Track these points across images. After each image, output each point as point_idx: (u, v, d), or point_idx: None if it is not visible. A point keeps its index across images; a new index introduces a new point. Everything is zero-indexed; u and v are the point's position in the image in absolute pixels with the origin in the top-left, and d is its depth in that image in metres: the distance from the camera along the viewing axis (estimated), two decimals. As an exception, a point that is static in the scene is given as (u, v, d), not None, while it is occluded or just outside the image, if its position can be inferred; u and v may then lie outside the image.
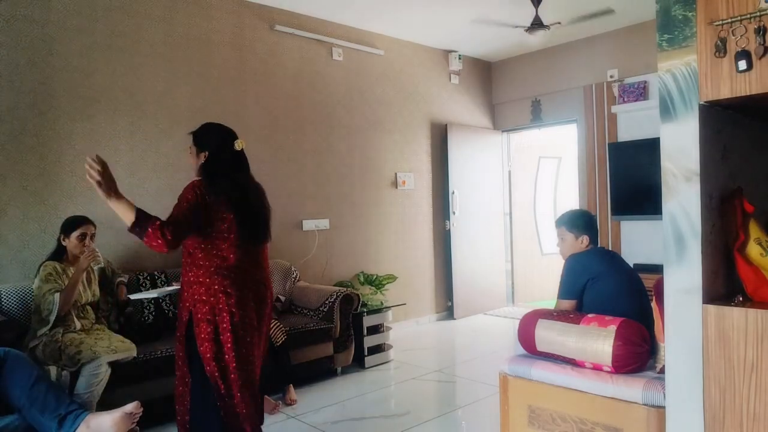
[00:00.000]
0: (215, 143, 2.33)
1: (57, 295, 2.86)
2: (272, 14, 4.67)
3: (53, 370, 2.75)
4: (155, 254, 3.90)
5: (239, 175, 2.35)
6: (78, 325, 2.98)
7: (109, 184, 2.07)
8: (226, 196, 2.23)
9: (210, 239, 2.22)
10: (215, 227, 2.22)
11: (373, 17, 5.05)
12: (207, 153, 2.32)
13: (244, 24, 4.50)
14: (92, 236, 3.10)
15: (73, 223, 3.06)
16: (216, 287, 2.21)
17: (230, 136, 2.37)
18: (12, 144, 3.39)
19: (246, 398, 2.26)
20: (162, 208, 3.96)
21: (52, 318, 2.86)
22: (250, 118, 4.49)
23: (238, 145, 2.35)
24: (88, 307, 3.13)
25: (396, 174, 5.63)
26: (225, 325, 2.21)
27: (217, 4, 4.35)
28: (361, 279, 5.06)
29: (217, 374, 2.21)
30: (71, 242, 3.03)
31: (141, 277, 3.65)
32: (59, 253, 3.05)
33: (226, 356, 2.22)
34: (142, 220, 2.07)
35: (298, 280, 4.47)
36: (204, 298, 2.21)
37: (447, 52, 6.15)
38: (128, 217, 2.09)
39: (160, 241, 2.05)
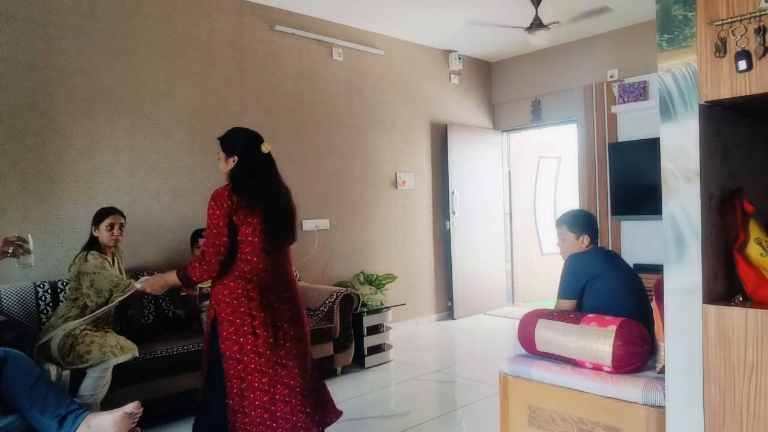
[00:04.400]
0: (243, 147, 2.38)
1: (133, 283, 2.83)
2: (272, 14, 4.67)
3: (53, 370, 2.75)
4: (152, 253, 3.91)
5: (269, 178, 2.41)
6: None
7: (160, 286, 2.47)
8: (255, 199, 2.28)
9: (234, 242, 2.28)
10: (241, 232, 2.26)
11: (373, 17, 5.05)
12: (236, 157, 2.36)
13: (244, 24, 4.50)
14: (121, 226, 3.12)
15: (102, 214, 3.11)
16: (239, 291, 2.26)
17: (257, 139, 2.42)
18: (12, 144, 3.39)
19: (264, 402, 2.26)
20: (162, 207, 4.00)
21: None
22: (250, 119, 4.48)
23: (265, 148, 2.40)
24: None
25: (396, 174, 5.63)
26: (246, 328, 2.25)
27: (217, 4, 4.35)
28: (361, 279, 5.06)
29: (232, 373, 2.25)
30: (101, 233, 3.07)
31: (141, 277, 3.64)
32: (92, 244, 3.08)
33: (246, 357, 2.25)
34: (181, 272, 2.33)
35: (298, 280, 4.46)
36: (227, 300, 2.26)
37: (447, 52, 6.15)
38: (173, 279, 2.38)
39: (204, 275, 2.28)
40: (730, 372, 1.58)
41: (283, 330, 2.32)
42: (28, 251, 2.40)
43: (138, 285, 2.71)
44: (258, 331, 2.26)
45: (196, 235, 3.79)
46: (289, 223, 2.42)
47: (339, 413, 2.56)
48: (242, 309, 2.25)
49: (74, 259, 3.01)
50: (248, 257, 2.27)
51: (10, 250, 2.33)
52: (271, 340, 2.28)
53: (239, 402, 2.25)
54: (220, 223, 2.22)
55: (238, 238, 2.26)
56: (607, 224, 5.60)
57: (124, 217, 3.19)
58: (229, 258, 2.25)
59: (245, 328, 2.25)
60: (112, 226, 3.08)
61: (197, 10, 4.23)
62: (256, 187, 2.31)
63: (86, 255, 2.97)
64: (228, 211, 2.23)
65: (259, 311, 2.26)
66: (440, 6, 4.81)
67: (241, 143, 2.39)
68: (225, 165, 2.40)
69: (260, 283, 2.28)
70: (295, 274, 2.56)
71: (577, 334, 2.25)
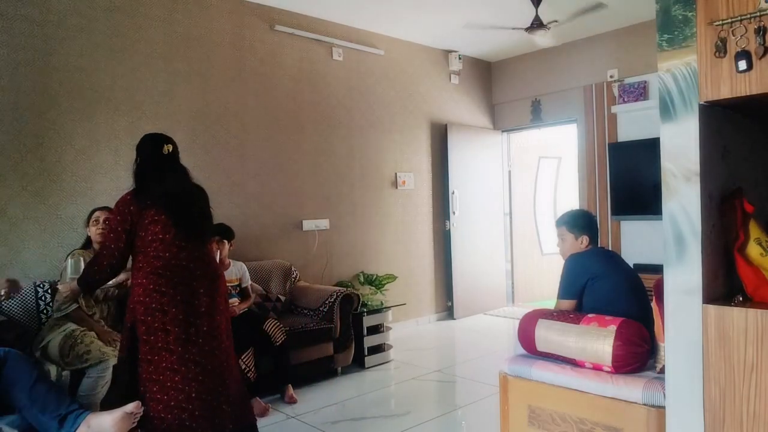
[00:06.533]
0: (143, 149, 2.48)
1: (72, 309, 2.93)
2: (272, 14, 4.67)
3: (53, 370, 2.76)
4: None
5: (171, 177, 2.44)
6: (97, 314, 3.10)
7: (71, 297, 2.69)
8: (158, 198, 2.33)
9: (145, 243, 2.31)
10: (150, 231, 2.30)
11: (373, 17, 5.05)
12: (139, 159, 2.47)
13: (244, 24, 4.50)
14: (105, 220, 3.15)
15: (89, 214, 3.22)
16: (152, 287, 2.26)
17: (158, 140, 2.50)
18: (12, 144, 3.39)
19: (179, 401, 2.22)
20: (162, 208, 4.00)
21: (57, 315, 2.92)
22: (250, 119, 4.49)
23: (166, 149, 2.47)
24: (111, 303, 3.22)
25: (396, 174, 5.63)
26: (157, 324, 2.24)
27: (217, 4, 4.35)
28: (361, 279, 5.06)
29: (145, 377, 2.23)
30: (90, 230, 3.17)
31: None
32: (85, 244, 3.20)
33: (156, 357, 2.23)
34: (82, 276, 2.41)
35: (298, 280, 4.47)
36: (142, 298, 2.26)
37: (447, 52, 6.15)
38: (74, 285, 2.49)
39: (101, 275, 2.35)
40: (730, 372, 1.58)
41: (196, 326, 2.28)
42: (16, 290, 2.51)
43: (60, 287, 2.73)
44: (168, 327, 2.23)
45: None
46: (199, 218, 2.43)
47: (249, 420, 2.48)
48: (154, 305, 2.23)
49: (66, 257, 3.12)
50: (160, 253, 2.28)
51: (2, 292, 2.41)
52: (183, 336, 2.24)
53: (154, 406, 2.20)
54: (119, 229, 2.29)
55: (148, 237, 2.29)
56: (607, 224, 5.60)
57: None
58: (120, 263, 2.31)
59: (156, 324, 2.23)
60: (97, 221, 3.15)
61: (197, 10, 4.23)
62: (157, 186, 2.35)
63: (72, 252, 3.09)
64: (129, 217, 2.28)
65: (170, 306, 2.24)
66: (440, 6, 4.81)
67: (143, 146, 2.50)
68: (133, 169, 2.48)
69: (173, 278, 2.27)
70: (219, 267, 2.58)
71: (577, 334, 2.25)
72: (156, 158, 2.44)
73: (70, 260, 2.96)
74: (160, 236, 2.28)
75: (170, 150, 2.47)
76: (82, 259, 2.97)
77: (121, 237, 2.28)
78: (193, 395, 2.23)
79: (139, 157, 2.47)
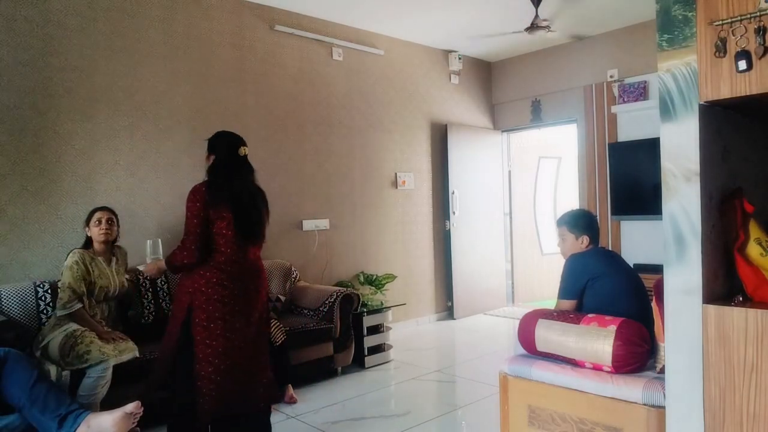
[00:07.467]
0: (220, 148, 2.58)
1: (76, 308, 2.98)
2: (272, 14, 4.67)
3: (53, 370, 2.76)
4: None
5: (241, 179, 2.56)
6: (98, 315, 3.11)
7: (157, 270, 2.79)
8: (227, 197, 2.45)
9: (211, 235, 2.46)
10: (216, 225, 2.44)
11: (373, 17, 5.05)
12: (213, 157, 2.57)
13: (244, 24, 4.50)
14: (109, 221, 3.20)
15: (90, 214, 3.22)
16: (215, 280, 2.43)
17: (236, 142, 2.60)
18: (12, 144, 3.39)
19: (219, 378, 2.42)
20: (161, 207, 4.00)
21: (61, 313, 2.96)
22: (250, 118, 4.49)
23: (242, 151, 2.58)
24: (111, 304, 3.23)
25: (396, 174, 5.63)
26: (218, 314, 2.42)
27: (217, 4, 4.35)
28: (361, 279, 5.06)
29: (201, 356, 2.39)
30: (92, 230, 3.18)
31: (141, 277, 3.65)
32: (85, 244, 3.21)
33: (215, 342, 2.41)
34: (170, 259, 2.51)
35: (298, 280, 4.47)
36: (203, 289, 2.42)
37: (447, 52, 6.15)
38: (161, 265, 2.72)
39: (184, 260, 2.44)
40: (730, 372, 1.58)
41: (246, 317, 2.52)
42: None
43: (140, 268, 2.84)
44: (227, 317, 2.43)
45: None
46: (257, 222, 2.57)
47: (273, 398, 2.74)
48: (216, 297, 2.41)
49: (67, 255, 3.13)
50: (222, 248, 2.45)
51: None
52: (237, 326, 2.46)
53: (206, 385, 2.39)
54: (200, 215, 2.40)
55: (214, 231, 2.43)
56: (607, 224, 5.60)
57: (114, 213, 3.27)
58: (204, 246, 2.41)
59: (217, 314, 2.41)
60: (99, 221, 3.16)
61: (197, 10, 4.23)
62: (228, 186, 2.48)
63: (72, 251, 3.10)
64: (203, 205, 2.40)
65: (230, 299, 2.44)
66: (440, 6, 4.81)
67: (220, 144, 2.59)
68: (206, 162, 2.59)
69: (233, 273, 2.46)
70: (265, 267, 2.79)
71: (577, 334, 2.25)
72: (231, 159, 2.55)
73: (148, 241, 2.92)
74: (224, 232, 2.43)
75: (245, 153, 2.59)
76: (159, 240, 3.00)
77: (199, 222, 2.40)
78: (238, 377, 2.47)
79: (214, 155, 2.56)
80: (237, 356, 2.46)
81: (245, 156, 2.59)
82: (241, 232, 2.47)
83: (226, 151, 2.56)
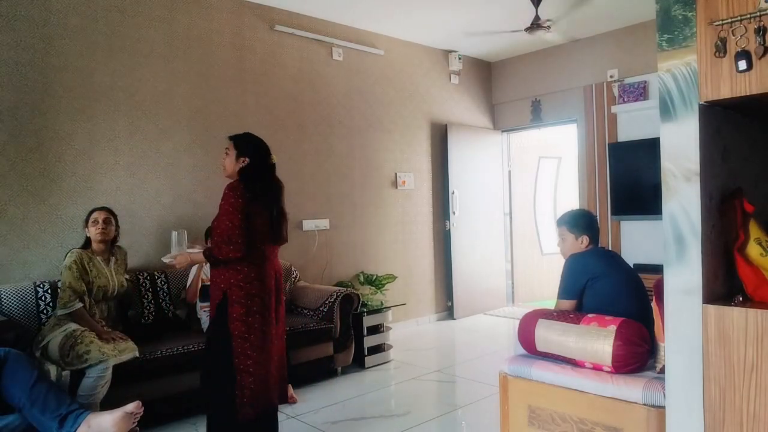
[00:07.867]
0: (255, 152, 2.66)
1: (77, 308, 2.99)
2: (272, 14, 4.67)
3: (53, 370, 2.76)
4: (152, 253, 3.90)
5: (272, 184, 2.70)
6: (97, 314, 3.12)
7: (186, 262, 2.79)
8: (262, 198, 2.57)
9: (249, 231, 2.54)
10: (255, 221, 2.53)
11: (373, 17, 5.05)
12: (247, 159, 2.62)
13: (244, 24, 4.50)
14: (105, 220, 3.21)
15: (88, 214, 3.25)
16: (253, 275, 2.52)
17: (268, 150, 2.71)
18: (12, 144, 3.39)
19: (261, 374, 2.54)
20: (162, 207, 4.00)
21: (61, 312, 2.97)
22: (250, 118, 4.49)
23: (273, 159, 2.71)
24: (111, 303, 3.24)
25: (396, 174, 5.63)
26: (256, 308, 2.52)
27: (217, 4, 4.35)
28: (361, 279, 5.06)
29: (239, 350, 2.48)
30: (90, 230, 3.20)
31: (141, 277, 3.65)
32: (84, 245, 3.24)
33: (252, 336, 2.51)
34: (207, 251, 2.59)
35: (298, 280, 4.47)
36: (241, 284, 2.50)
37: (447, 52, 6.15)
38: (199, 257, 2.73)
39: (230, 254, 2.46)
40: (730, 372, 1.58)
41: (277, 313, 2.67)
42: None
43: (166, 260, 2.83)
44: (265, 312, 2.55)
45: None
46: (283, 225, 2.71)
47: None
48: (254, 291, 2.51)
49: (65, 255, 3.15)
50: (258, 244, 2.55)
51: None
52: (270, 321, 2.58)
53: (246, 378, 2.48)
54: (240, 210, 2.46)
55: (253, 227, 2.52)
56: (607, 224, 5.60)
57: (113, 213, 3.29)
58: (246, 240, 2.47)
59: (255, 308, 2.51)
60: (96, 221, 3.18)
61: (197, 10, 4.23)
62: (265, 188, 2.60)
63: (71, 251, 3.13)
64: (244, 202, 2.48)
65: (264, 294, 2.55)
66: (440, 6, 4.81)
67: (255, 149, 2.66)
68: (233, 163, 2.63)
69: (268, 270, 2.59)
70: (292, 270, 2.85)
71: (577, 334, 2.25)
72: (263, 165, 2.65)
73: (174, 232, 2.92)
74: (260, 229, 2.54)
75: (275, 162, 2.71)
76: (185, 231, 3.01)
77: (242, 218, 2.46)
78: (271, 369, 2.60)
79: (248, 158, 2.62)
80: (272, 350, 2.59)
81: (274, 165, 2.71)
82: (272, 232, 2.60)
83: (261, 157, 2.65)
